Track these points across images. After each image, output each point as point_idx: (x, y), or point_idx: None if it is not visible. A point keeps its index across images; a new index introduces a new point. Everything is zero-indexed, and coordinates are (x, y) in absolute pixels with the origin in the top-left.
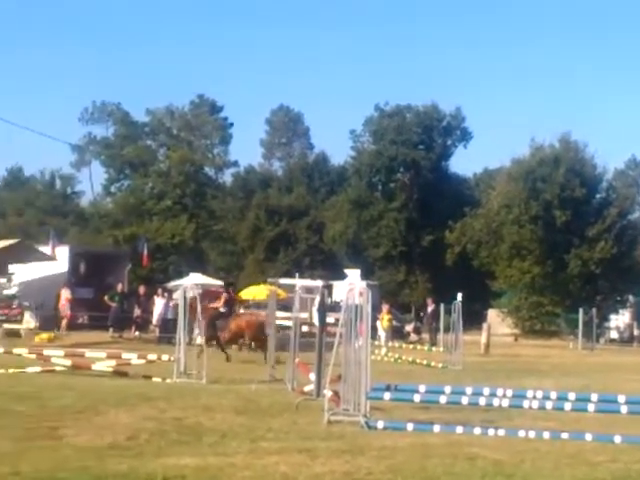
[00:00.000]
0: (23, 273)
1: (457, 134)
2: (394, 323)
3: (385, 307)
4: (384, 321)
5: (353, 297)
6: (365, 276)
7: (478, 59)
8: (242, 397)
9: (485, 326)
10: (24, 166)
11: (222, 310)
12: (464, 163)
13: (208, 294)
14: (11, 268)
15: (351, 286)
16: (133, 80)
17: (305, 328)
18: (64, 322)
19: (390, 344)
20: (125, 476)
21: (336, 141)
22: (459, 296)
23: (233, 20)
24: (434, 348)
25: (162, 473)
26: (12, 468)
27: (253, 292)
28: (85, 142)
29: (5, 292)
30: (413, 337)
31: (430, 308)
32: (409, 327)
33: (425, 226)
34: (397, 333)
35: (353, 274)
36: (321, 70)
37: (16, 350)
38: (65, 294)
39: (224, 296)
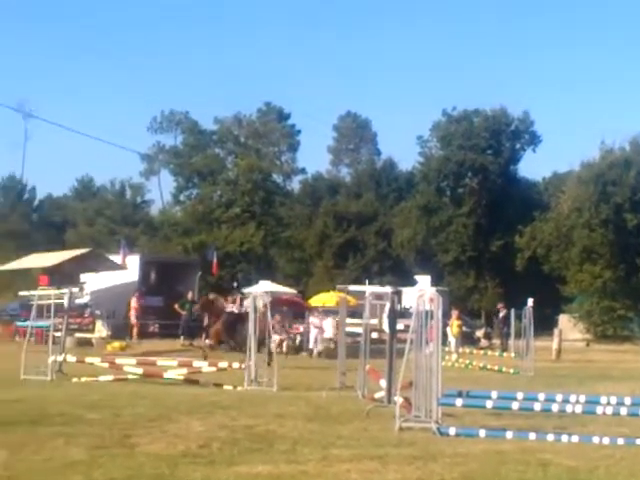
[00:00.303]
0: (95, 282)
1: (525, 138)
2: (464, 329)
3: (455, 313)
4: (454, 327)
5: (423, 303)
6: (434, 282)
7: (546, 62)
8: (313, 404)
9: (556, 331)
10: (94, 176)
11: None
12: (533, 167)
13: (277, 302)
14: (83, 277)
15: (421, 292)
16: (201, 89)
17: (375, 335)
18: (135, 330)
19: (460, 350)
20: None
21: (404, 147)
22: (530, 301)
23: (300, 27)
24: (505, 354)
25: None
26: (85, 476)
27: (322, 299)
28: (154, 151)
29: (77, 301)
30: (484, 343)
31: (501, 313)
32: (479, 333)
33: (494, 231)
34: (467, 339)
35: (423, 280)
36: (388, 76)
37: (88, 359)
38: (133, 302)
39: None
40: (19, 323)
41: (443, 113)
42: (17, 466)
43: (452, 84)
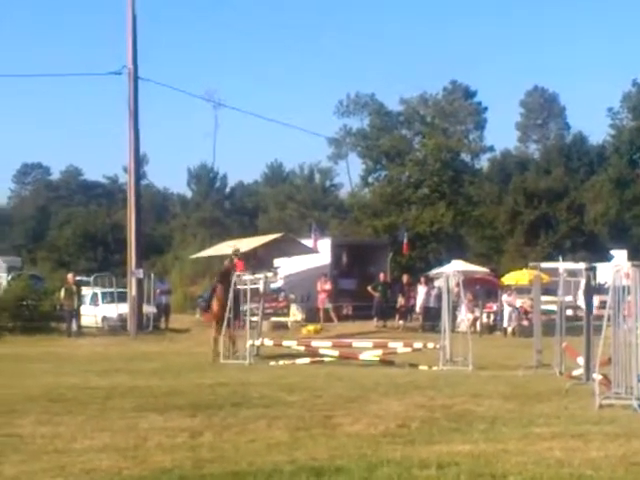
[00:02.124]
0: (287, 267)
1: None
2: None
3: None
4: None
5: (620, 279)
6: (631, 256)
7: None
8: (509, 383)
9: None
10: (284, 161)
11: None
12: None
13: (470, 281)
14: (276, 262)
15: (618, 267)
16: (386, 70)
17: (569, 312)
18: (332, 313)
19: None
20: (399, 463)
21: (594, 120)
22: None
23: (484, 3)
24: None
25: (436, 460)
26: (288, 456)
27: (515, 277)
28: (341, 135)
29: (272, 286)
30: None
31: None
32: None
33: None
34: None
35: (619, 255)
36: (575, 47)
37: (285, 342)
38: (321, 285)
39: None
40: None
41: (633, 83)
42: (223, 447)
43: None
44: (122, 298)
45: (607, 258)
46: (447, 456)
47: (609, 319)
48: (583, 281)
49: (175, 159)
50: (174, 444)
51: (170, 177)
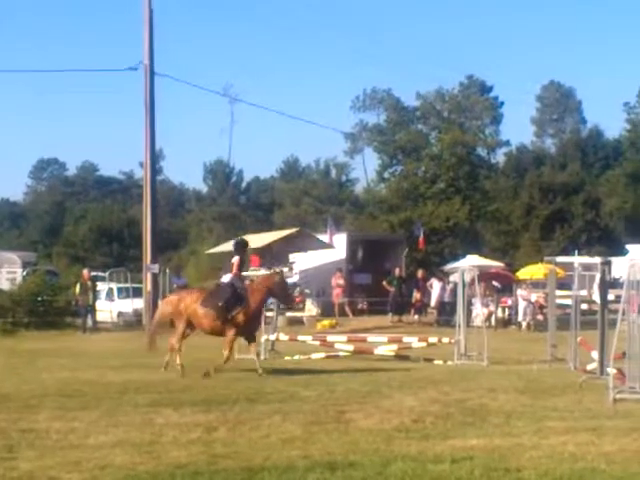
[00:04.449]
0: (303, 261)
1: None
2: None
3: None
4: None
5: (635, 273)
6: None
7: None
8: (524, 377)
9: None
10: (300, 157)
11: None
12: None
13: (485, 275)
14: (292, 257)
15: (633, 262)
16: (402, 65)
17: (584, 306)
18: (347, 308)
19: None
20: (414, 458)
21: (610, 114)
22: None
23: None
24: None
25: (450, 454)
26: (303, 451)
27: (530, 271)
28: (358, 130)
29: (287, 280)
30: None
31: None
32: None
33: None
34: None
35: (635, 249)
36: (592, 41)
37: (300, 337)
38: (336, 280)
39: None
40: None
41: None
42: (237, 442)
43: None
44: (137, 293)
45: (622, 252)
46: (461, 451)
47: (623, 313)
48: (598, 275)
49: (191, 154)
50: (189, 440)
51: (186, 172)
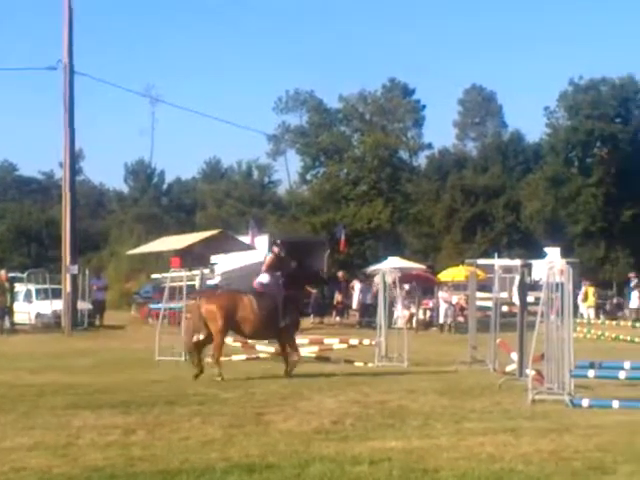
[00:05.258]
0: (225, 263)
1: None
2: (596, 300)
3: (585, 284)
4: (585, 298)
5: (553, 275)
6: (564, 254)
7: None
8: (444, 379)
9: None
10: (222, 158)
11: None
12: None
13: (406, 277)
14: (213, 259)
15: (551, 264)
16: (325, 67)
17: (505, 308)
18: None
19: (593, 321)
20: (332, 460)
21: (530, 118)
22: None
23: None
24: (638, 324)
25: (368, 456)
26: (221, 454)
27: (452, 273)
28: (280, 131)
29: (208, 282)
30: (616, 314)
31: (632, 283)
32: (611, 303)
33: (624, 200)
34: (599, 310)
35: (553, 252)
36: (513, 47)
37: None
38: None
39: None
40: (152, 305)
41: (570, 82)
42: (156, 445)
43: (578, 53)
44: (56, 294)
45: (542, 255)
46: (380, 452)
47: (542, 315)
48: (518, 277)
49: (112, 155)
50: (106, 442)
51: (107, 173)
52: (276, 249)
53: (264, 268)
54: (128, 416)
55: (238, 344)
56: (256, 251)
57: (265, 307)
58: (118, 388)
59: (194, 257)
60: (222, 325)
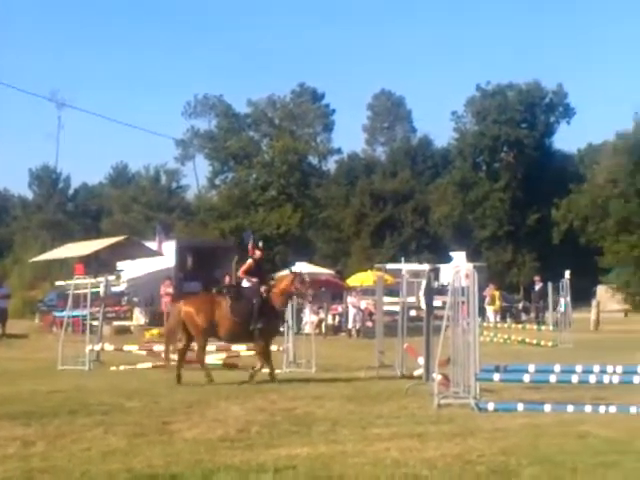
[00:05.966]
0: (131, 270)
1: (560, 110)
2: (503, 304)
3: (491, 287)
4: (492, 302)
5: (459, 279)
6: (472, 258)
7: (579, 33)
8: (351, 384)
9: (594, 302)
10: (129, 163)
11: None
12: (568, 139)
13: (315, 282)
14: (119, 265)
15: (457, 269)
16: (234, 72)
17: (413, 312)
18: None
19: (499, 325)
20: (237, 468)
21: (438, 123)
22: (567, 273)
23: (331, 6)
24: (543, 327)
25: (273, 464)
26: (124, 464)
27: (360, 278)
28: (188, 136)
29: (114, 289)
30: (523, 317)
31: (537, 286)
32: (518, 307)
33: (530, 204)
34: (506, 313)
35: (459, 256)
36: (421, 52)
37: (126, 347)
38: (165, 289)
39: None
40: (56, 313)
41: (477, 88)
42: (56, 456)
43: (485, 59)
44: None
45: (450, 260)
46: (285, 459)
47: (448, 319)
48: (424, 282)
49: (16, 160)
50: (4, 454)
51: (11, 178)
52: (258, 253)
53: (241, 273)
54: (28, 427)
55: (143, 352)
56: (163, 257)
57: (241, 311)
58: (19, 399)
59: (100, 264)
60: (202, 327)
